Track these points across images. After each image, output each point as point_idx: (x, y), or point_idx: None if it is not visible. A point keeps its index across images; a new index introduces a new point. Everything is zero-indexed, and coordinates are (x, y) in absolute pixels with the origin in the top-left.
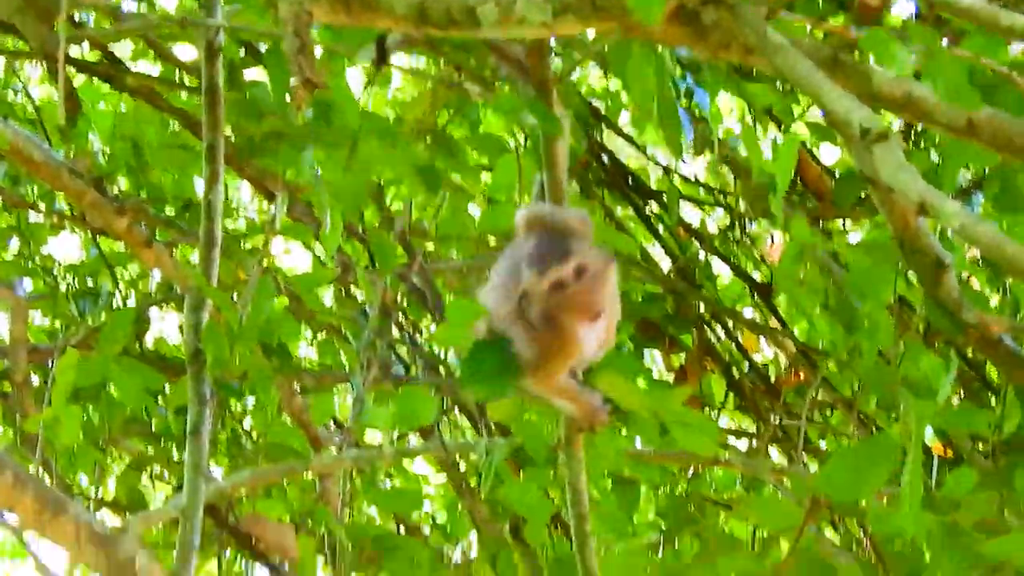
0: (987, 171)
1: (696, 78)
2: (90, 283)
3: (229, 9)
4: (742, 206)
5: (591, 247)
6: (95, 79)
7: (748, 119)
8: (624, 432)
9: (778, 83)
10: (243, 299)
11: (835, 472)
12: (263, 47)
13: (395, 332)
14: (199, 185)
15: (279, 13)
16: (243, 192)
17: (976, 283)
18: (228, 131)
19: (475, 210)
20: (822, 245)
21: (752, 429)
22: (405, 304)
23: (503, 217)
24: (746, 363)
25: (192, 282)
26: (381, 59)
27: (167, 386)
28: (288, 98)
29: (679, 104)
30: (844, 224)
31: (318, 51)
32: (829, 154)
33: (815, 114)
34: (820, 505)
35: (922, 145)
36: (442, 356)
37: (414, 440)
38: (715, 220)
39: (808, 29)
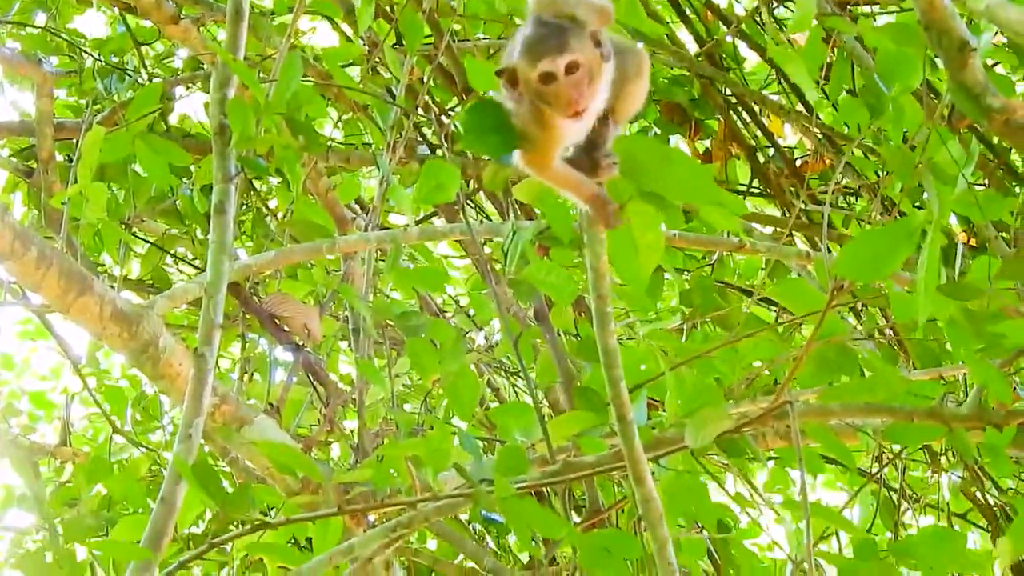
0: None
1: None
2: (116, 60)
3: None
4: None
5: (605, 36)
6: None
7: None
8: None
9: None
10: (270, 75)
11: (856, 253)
12: None
13: (421, 112)
14: None
15: None
16: None
17: (1002, 68)
18: None
19: None
20: (848, 29)
21: (776, 215)
22: (432, 83)
23: None
24: (771, 148)
25: (218, 58)
26: None
27: (192, 167)
28: None
29: None
30: (871, 8)
31: None
32: None
33: None
34: (843, 290)
35: None
36: None
37: (439, 223)
38: (743, 3)
39: None
